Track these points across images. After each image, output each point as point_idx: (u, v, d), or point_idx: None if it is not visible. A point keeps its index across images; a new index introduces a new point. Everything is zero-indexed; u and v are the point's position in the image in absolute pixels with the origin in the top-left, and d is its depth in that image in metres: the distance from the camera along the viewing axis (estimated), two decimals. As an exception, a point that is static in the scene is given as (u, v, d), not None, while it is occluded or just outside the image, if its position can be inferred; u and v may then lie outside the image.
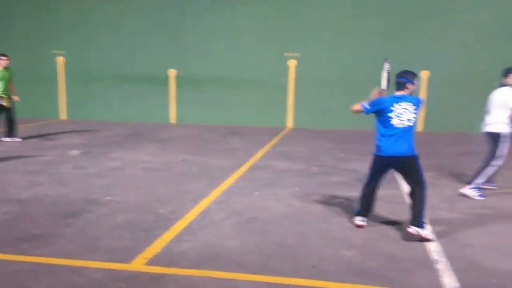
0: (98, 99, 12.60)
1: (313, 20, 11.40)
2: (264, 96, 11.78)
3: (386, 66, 4.13)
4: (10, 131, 8.74)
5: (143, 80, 12.30)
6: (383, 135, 3.99)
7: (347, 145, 8.93)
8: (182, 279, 3.16)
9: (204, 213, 4.60)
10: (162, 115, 12.35)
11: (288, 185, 5.77)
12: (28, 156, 7.33)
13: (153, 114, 12.36)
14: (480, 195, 5.24)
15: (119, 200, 5.01)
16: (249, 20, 11.67)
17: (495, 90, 5.31)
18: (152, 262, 3.43)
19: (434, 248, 3.73)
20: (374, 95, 4.07)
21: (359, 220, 4.24)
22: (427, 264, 3.46)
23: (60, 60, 12.64)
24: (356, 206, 4.39)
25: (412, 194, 4.03)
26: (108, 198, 5.08)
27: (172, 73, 12.20)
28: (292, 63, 11.63)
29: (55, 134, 9.79)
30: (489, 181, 5.42)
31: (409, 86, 3.97)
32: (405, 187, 5.51)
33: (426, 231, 3.90)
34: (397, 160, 3.98)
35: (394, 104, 3.90)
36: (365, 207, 4.26)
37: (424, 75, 10.91)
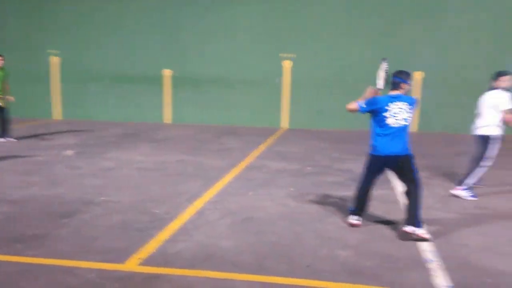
0: (93, 99, 12.55)
1: (308, 21, 11.43)
2: (260, 96, 11.79)
3: (384, 65, 4.12)
4: (4, 132, 8.69)
5: (138, 80, 12.27)
6: (378, 135, 4.01)
7: (342, 145, 8.96)
8: (177, 279, 3.16)
9: (199, 213, 4.59)
10: (157, 115, 12.32)
11: (283, 185, 5.78)
12: (22, 156, 7.28)
13: (148, 114, 12.33)
14: (472, 196, 5.28)
15: (113, 200, 5.00)
16: (245, 20, 11.68)
17: (486, 93, 5.37)
18: (146, 262, 3.43)
19: (428, 248, 3.76)
20: (368, 94, 4.08)
21: (353, 219, 4.26)
22: (421, 263, 3.48)
23: (55, 59, 12.58)
24: (351, 205, 4.41)
25: (407, 193, 4.06)
26: (102, 198, 5.06)
27: (167, 73, 12.18)
28: (287, 64, 11.65)
29: (50, 134, 9.74)
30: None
31: (404, 86, 4.00)
32: (399, 187, 5.55)
33: (423, 230, 3.92)
34: (393, 160, 4.00)
35: (390, 104, 3.93)
36: (360, 206, 4.28)
37: (418, 76, 10.98)
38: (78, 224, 4.24)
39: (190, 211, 4.66)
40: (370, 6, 11.13)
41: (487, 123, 5.23)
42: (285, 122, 11.86)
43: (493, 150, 5.25)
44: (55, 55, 12.54)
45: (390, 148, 3.96)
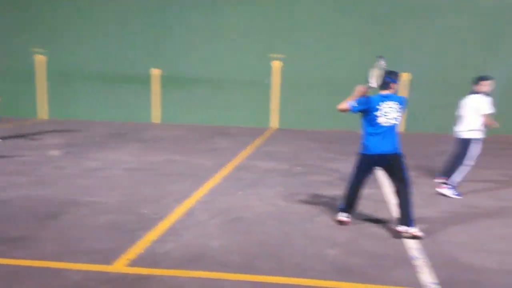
0: (80, 99, 12.39)
1: (297, 21, 11.47)
2: (249, 96, 11.79)
3: (382, 63, 4.05)
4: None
5: (126, 79, 12.16)
6: (369, 134, 4.05)
7: (331, 145, 9.02)
8: (166, 280, 3.14)
9: (188, 213, 4.58)
10: (146, 115, 12.23)
11: (273, 185, 5.79)
12: (7, 157, 7.15)
13: (136, 114, 12.23)
14: (457, 194, 5.39)
15: (101, 200, 4.94)
16: (235, 20, 11.67)
17: (467, 97, 5.49)
18: (135, 263, 3.40)
19: (414, 246, 3.81)
20: (358, 92, 4.10)
21: (343, 216, 4.30)
22: (408, 261, 3.53)
23: (41, 58, 12.39)
24: (340, 203, 4.44)
25: (397, 193, 4.11)
26: (90, 198, 5.00)
27: (155, 72, 12.10)
28: (276, 64, 11.67)
29: (36, 134, 9.59)
30: (444, 174, 5.58)
31: (393, 85, 4.05)
32: (388, 187, 5.61)
33: (415, 229, 3.97)
34: (383, 158, 4.05)
35: (381, 103, 3.97)
36: (349, 204, 4.32)
37: (405, 77, 11.10)
38: (64, 225, 4.18)
39: (179, 211, 4.64)
40: (359, 7, 11.23)
41: (470, 127, 5.39)
42: (274, 122, 11.89)
43: (475, 149, 5.40)
44: (41, 53, 12.35)
45: (381, 147, 4.01)
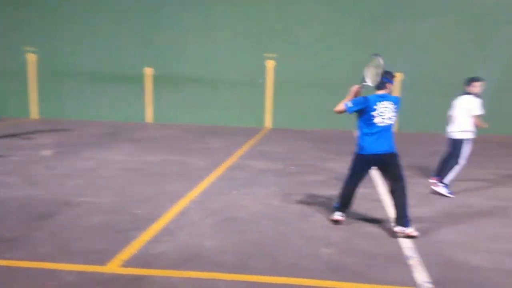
0: (71, 98, 12.29)
1: (291, 21, 11.49)
2: (243, 96, 11.78)
3: (380, 61, 3.98)
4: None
5: (119, 78, 12.08)
6: (365, 134, 4.04)
7: (325, 145, 9.04)
8: (160, 281, 3.12)
9: (182, 213, 4.55)
10: (138, 115, 12.16)
11: (267, 184, 5.78)
12: (-3, 157, 7.07)
13: (129, 113, 12.15)
14: (449, 193, 5.46)
15: (94, 201, 4.90)
16: (228, 20, 11.65)
17: (459, 97, 5.56)
18: (129, 264, 3.37)
19: (408, 245, 3.82)
20: (352, 92, 4.10)
21: (337, 215, 4.30)
22: (402, 260, 3.54)
23: (32, 57, 12.26)
24: (335, 202, 4.45)
25: (393, 193, 4.12)
26: (82, 199, 4.95)
27: (148, 71, 12.04)
28: (270, 64, 11.67)
29: (26, 133, 9.49)
30: (437, 174, 5.65)
31: (389, 85, 4.06)
32: (383, 186, 5.63)
33: (411, 229, 4.00)
34: (379, 158, 4.05)
35: (377, 103, 3.98)
36: (344, 203, 4.34)
37: (398, 77, 11.17)
38: (57, 225, 4.14)
39: (173, 211, 4.61)
40: (353, 8, 11.27)
41: (461, 127, 5.46)
42: (268, 122, 11.89)
43: (467, 149, 5.49)
44: (32, 52, 12.22)
45: (377, 147, 4.01)
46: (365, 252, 3.68)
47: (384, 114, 3.98)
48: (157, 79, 12.03)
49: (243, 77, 11.74)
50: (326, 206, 4.83)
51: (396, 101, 4.05)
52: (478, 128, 5.49)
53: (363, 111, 4.01)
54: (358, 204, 4.72)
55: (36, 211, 4.50)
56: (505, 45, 10.79)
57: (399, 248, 3.78)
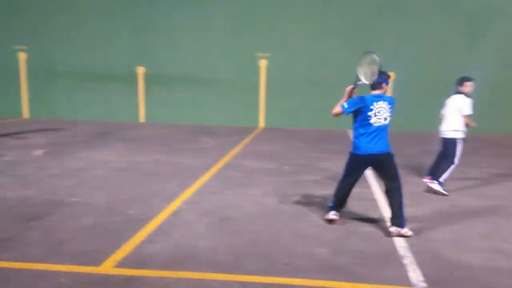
0: (63, 97, 12.18)
1: (283, 20, 11.49)
2: (236, 95, 11.77)
3: (376, 58, 3.96)
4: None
5: (111, 77, 12.00)
6: (361, 134, 4.05)
7: (318, 145, 9.05)
8: (154, 281, 3.10)
9: (175, 214, 4.53)
10: (131, 114, 12.08)
11: (260, 184, 5.78)
12: (-13, 157, 6.99)
13: (121, 113, 12.08)
14: (444, 190, 5.52)
15: (86, 201, 4.86)
16: (221, 18, 11.62)
17: (451, 97, 5.62)
18: (122, 264, 3.35)
19: (402, 244, 3.85)
20: (347, 93, 4.11)
21: (331, 214, 4.32)
22: (396, 259, 3.56)
23: (22, 56, 12.12)
24: (330, 201, 4.46)
25: (388, 192, 4.14)
26: (74, 199, 4.91)
27: (140, 71, 11.97)
28: (263, 63, 11.67)
29: (17, 133, 9.38)
30: (431, 173, 5.71)
31: (384, 86, 4.07)
32: (377, 186, 5.66)
33: (406, 229, 4.02)
34: (375, 158, 4.06)
35: (374, 103, 3.98)
36: (339, 203, 4.35)
37: (391, 76, 11.23)
38: (48, 226, 4.10)
39: (166, 211, 4.59)
40: (344, 7, 11.31)
41: (453, 127, 5.54)
42: (262, 121, 11.88)
43: (459, 149, 5.57)
44: (23, 51, 12.08)
45: (372, 146, 4.02)
46: (359, 251, 3.69)
47: (380, 114, 3.98)
48: (149, 78, 11.96)
49: (236, 76, 11.73)
50: (320, 205, 4.84)
51: (391, 102, 4.06)
52: (468, 127, 5.57)
53: (360, 111, 4.01)
54: (353, 204, 4.74)
55: (29, 212, 4.45)
56: (498, 45, 10.90)
57: (393, 247, 3.79)
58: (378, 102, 3.99)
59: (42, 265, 3.29)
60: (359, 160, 4.12)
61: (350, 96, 4.10)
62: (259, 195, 5.28)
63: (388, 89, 11.01)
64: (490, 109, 10.51)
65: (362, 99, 3.99)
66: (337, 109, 4.05)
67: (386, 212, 4.59)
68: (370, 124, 3.99)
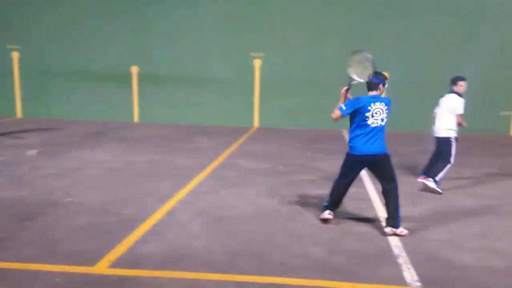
0: (56, 97, 12.09)
1: (278, 20, 11.49)
2: (231, 95, 11.75)
3: (367, 55, 3.95)
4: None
5: (105, 77, 11.92)
6: (357, 135, 4.05)
7: (313, 144, 9.07)
8: (148, 281, 3.09)
9: (170, 213, 4.52)
10: (125, 114, 12.03)
11: (255, 184, 5.78)
12: (-20, 156, 6.93)
13: (116, 112, 12.01)
14: (439, 188, 5.57)
15: (80, 201, 4.84)
16: (216, 18, 11.60)
17: (444, 96, 5.68)
18: (116, 264, 3.34)
19: (397, 244, 3.86)
20: (343, 95, 4.12)
21: (325, 214, 4.33)
22: (391, 259, 3.58)
23: (16, 55, 12.03)
24: (325, 201, 4.47)
25: (385, 193, 4.16)
26: (69, 199, 4.89)
27: (135, 70, 11.92)
28: (257, 63, 11.67)
29: (11, 133, 9.31)
30: (425, 173, 5.76)
31: (381, 87, 4.07)
32: (372, 186, 5.68)
33: (401, 228, 4.05)
34: (371, 159, 4.07)
35: (371, 104, 3.99)
36: (334, 203, 4.37)
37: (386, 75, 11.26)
38: (43, 226, 4.07)
39: (160, 211, 4.58)
40: (340, 7, 11.33)
41: (445, 126, 5.61)
42: (256, 121, 11.88)
43: (453, 148, 5.62)
44: (16, 50, 12.00)
45: (369, 147, 4.03)
46: (354, 251, 3.70)
47: (377, 115, 3.99)
48: (144, 78, 11.92)
49: (231, 76, 11.71)
50: (315, 205, 4.85)
51: (387, 103, 4.07)
52: (460, 126, 5.63)
53: (357, 112, 4.00)
54: (348, 203, 4.75)
55: (23, 212, 4.43)
56: (490, 45, 10.96)
57: (388, 247, 3.81)
58: (376, 103, 3.99)
59: (36, 265, 3.28)
60: (356, 161, 4.13)
61: (345, 97, 4.11)
62: (254, 194, 5.28)
63: (385, 90, 11.07)
64: (483, 109, 10.59)
65: (358, 100, 4.00)
66: (336, 112, 4.06)
67: (381, 212, 4.61)
68: (367, 125, 4.00)
